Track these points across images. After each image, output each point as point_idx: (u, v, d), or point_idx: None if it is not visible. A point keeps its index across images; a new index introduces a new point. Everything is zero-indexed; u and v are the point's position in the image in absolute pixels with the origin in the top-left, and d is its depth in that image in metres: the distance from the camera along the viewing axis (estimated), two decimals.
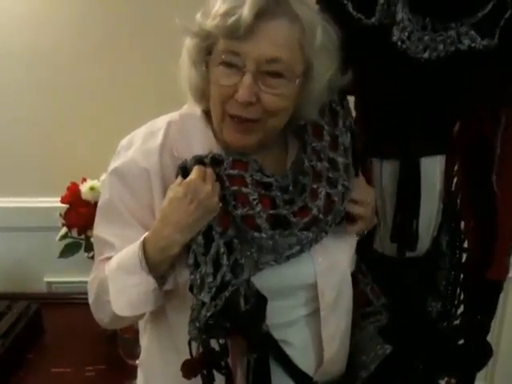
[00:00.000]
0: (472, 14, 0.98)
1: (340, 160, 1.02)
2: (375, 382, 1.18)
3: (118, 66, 1.77)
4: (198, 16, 0.95)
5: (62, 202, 1.63)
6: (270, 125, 0.97)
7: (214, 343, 0.96)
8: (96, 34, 1.75)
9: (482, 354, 1.31)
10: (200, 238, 0.93)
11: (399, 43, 0.98)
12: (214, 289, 0.92)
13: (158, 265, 0.96)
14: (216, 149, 1.01)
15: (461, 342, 1.30)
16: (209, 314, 0.92)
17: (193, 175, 0.92)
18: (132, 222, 1.01)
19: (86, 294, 1.06)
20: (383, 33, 0.99)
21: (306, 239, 0.98)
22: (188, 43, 0.98)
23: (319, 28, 0.94)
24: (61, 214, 1.63)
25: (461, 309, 1.30)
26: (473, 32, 0.99)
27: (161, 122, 1.06)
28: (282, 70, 0.92)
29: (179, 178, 0.95)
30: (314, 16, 0.94)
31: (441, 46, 1.00)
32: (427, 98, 1.06)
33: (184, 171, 0.95)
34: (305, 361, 1.07)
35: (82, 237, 1.63)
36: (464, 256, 1.28)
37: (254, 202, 0.94)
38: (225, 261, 0.93)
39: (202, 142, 1.01)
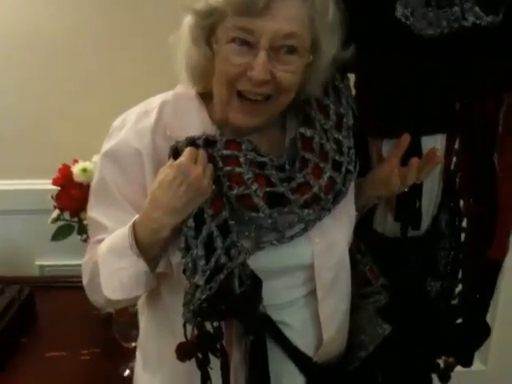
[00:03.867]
0: None
1: (345, 142, 1.01)
2: (374, 361, 1.18)
3: (111, 53, 1.75)
4: None
5: (54, 183, 1.60)
6: (280, 102, 0.96)
7: (209, 326, 0.95)
8: (91, 25, 1.72)
9: (480, 333, 1.31)
10: (191, 221, 0.92)
11: (403, 19, 0.96)
12: (207, 272, 0.91)
13: (148, 247, 0.94)
14: (210, 128, 0.99)
15: (459, 321, 1.30)
16: (203, 297, 0.91)
17: (183, 157, 0.90)
18: (124, 204, 0.99)
19: (79, 277, 1.04)
20: (386, 8, 0.97)
21: (308, 217, 0.97)
22: (189, 21, 0.95)
23: (331, 4, 0.92)
24: (52, 197, 1.60)
25: (459, 288, 1.29)
26: (477, 8, 0.96)
27: (154, 101, 1.03)
28: (296, 44, 0.91)
29: (170, 160, 0.93)
30: None
31: (444, 23, 0.97)
32: (430, 77, 1.03)
33: (175, 153, 0.93)
34: (304, 341, 1.06)
35: (75, 219, 1.60)
36: (463, 236, 1.28)
37: (249, 181, 0.92)
38: (219, 243, 0.91)
39: (196, 122, 1.00)
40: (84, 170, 1.56)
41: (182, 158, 0.90)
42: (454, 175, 1.22)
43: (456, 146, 1.18)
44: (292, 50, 0.91)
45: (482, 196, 1.18)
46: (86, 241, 1.54)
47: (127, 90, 1.56)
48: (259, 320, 0.97)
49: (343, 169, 0.99)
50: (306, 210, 0.96)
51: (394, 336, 1.16)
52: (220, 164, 0.93)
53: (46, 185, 1.64)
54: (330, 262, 1.04)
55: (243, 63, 0.90)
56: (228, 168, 0.93)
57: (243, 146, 0.95)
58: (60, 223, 1.63)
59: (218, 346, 0.94)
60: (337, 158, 0.99)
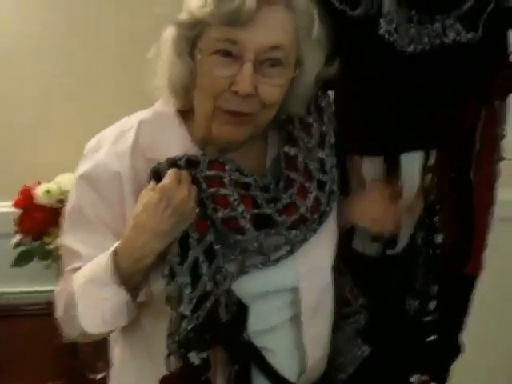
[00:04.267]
0: (457, 7, 0.97)
1: (328, 161, 0.99)
2: (353, 383, 1.16)
3: (76, 76, 1.69)
4: (187, 3, 0.90)
5: (15, 206, 1.52)
6: (262, 118, 0.93)
7: (193, 356, 0.90)
8: (59, 32, 1.67)
9: (454, 350, 1.30)
10: (175, 246, 0.88)
11: (387, 35, 0.96)
12: (194, 300, 0.87)
13: (131, 276, 0.89)
14: (192, 149, 0.95)
15: (433, 338, 1.30)
16: (190, 327, 0.87)
17: (167, 179, 0.86)
18: (102, 230, 0.94)
19: (40, 304, 0.99)
20: (368, 25, 0.96)
21: (295, 238, 0.94)
22: (172, 33, 0.92)
23: (317, 19, 0.91)
24: (14, 220, 1.52)
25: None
26: (458, 25, 0.97)
27: (131, 121, 0.99)
28: (281, 57, 0.89)
29: (152, 183, 0.88)
30: (311, 7, 0.91)
31: (426, 39, 0.98)
32: (410, 94, 1.03)
33: (157, 175, 0.89)
34: (287, 367, 1.02)
35: (38, 243, 1.53)
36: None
37: (235, 203, 0.89)
38: (204, 270, 0.88)
39: (176, 142, 0.96)
40: (48, 192, 1.49)
41: (165, 180, 0.86)
42: (430, 192, 1.22)
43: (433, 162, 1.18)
44: (277, 63, 0.89)
45: (459, 212, 1.18)
46: (48, 267, 1.47)
47: (92, 112, 1.51)
48: (244, 347, 0.94)
49: (327, 188, 0.98)
50: (294, 232, 0.93)
51: (372, 355, 1.15)
52: (204, 185, 0.89)
53: (7, 207, 1.56)
54: (314, 284, 1.01)
55: (228, 76, 0.88)
56: (212, 189, 0.89)
57: (227, 167, 0.92)
58: (21, 248, 1.55)
59: (204, 377, 0.90)
60: (321, 177, 0.97)
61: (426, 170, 1.16)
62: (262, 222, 0.91)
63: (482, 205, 1.17)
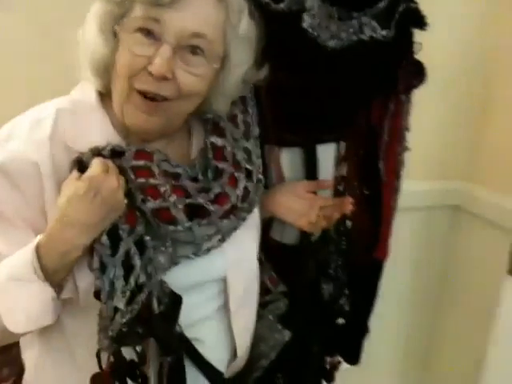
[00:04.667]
0: (373, 5, 1.02)
1: (254, 151, 1.00)
2: (275, 368, 1.19)
3: None
4: None
5: None
6: (178, 108, 0.91)
7: (126, 351, 0.87)
8: None
9: (364, 331, 1.38)
10: (105, 239, 0.84)
11: (310, 30, 0.98)
12: (128, 293, 0.84)
13: (54, 272, 0.84)
14: (114, 138, 0.91)
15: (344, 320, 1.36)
16: (124, 321, 0.84)
17: (94, 169, 0.82)
18: (21, 225, 0.88)
19: None
20: (292, 19, 0.99)
21: (226, 228, 0.95)
22: (97, 10, 0.88)
23: (245, 16, 0.91)
24: None
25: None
26: (374, 22, 1.03)
27: (47, 109, 0.92)
28: (204, 46, 0.87)
29: (75, 173, 0.84)
30: (241, 2, 0.91)
31: (344, 35, 1.02)
32: (328, 87, 1.08)
33: (80, 165, 0.85)
34: (217, 357, 1.03)
35: None
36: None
37: (167, 194, 0.87)
38: (137, 261, 0.85)
39: (98, 132, 0.91)
40: None
41: (92, 170, 0.82)
42: (341, 181, 1.28)
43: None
44: (198, 53, 0.87)
45: (368, 200, 1.25)
46: None
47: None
48: (177, 339, 0.93)
49: (254, 177, 0.99)
50: (225, 221, 0.94)
51: (293, 340, 1.19)
52: (131, 176, 0.87)
53: None
54: (241, 273, 1.02)
55: (146, 56, 0.85)
56: (141, 180, 0.87)
57: (155, 157, 0.89)
58: None
59: (138, 371, 0.88)
60: (248, 167, 0.98)
61: (338, 160, 1.22)
62: (194, 212, 0.90)
63: (388, 193, 1.25)
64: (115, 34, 0.88)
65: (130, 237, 0.86)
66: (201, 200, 0.90)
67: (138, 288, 0.85)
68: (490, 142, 2.05)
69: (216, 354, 1.03)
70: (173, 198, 0.87)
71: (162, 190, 0.87)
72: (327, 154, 1.18)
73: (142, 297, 0.85)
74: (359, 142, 1.20)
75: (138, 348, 0.87)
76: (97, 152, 0.86)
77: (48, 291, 0.84)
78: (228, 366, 1.06)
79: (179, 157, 0.98)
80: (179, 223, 0.88)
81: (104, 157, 0.85)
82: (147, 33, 0.85)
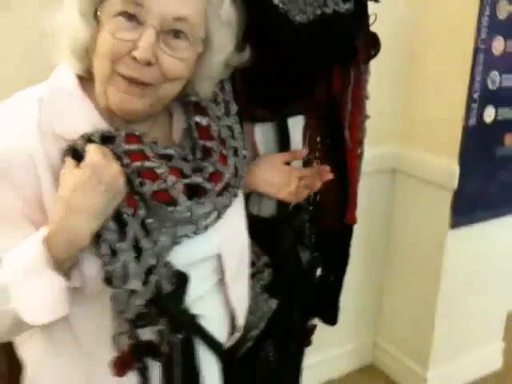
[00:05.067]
0: None
1: (235, 128, 1.02)
2: (265, 336, 1.24)
3: None
4: None
5: None
6: (163, 92, 0.91)
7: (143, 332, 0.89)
8: None
9: (339, 293, 1.46)
10: (112, 224, 0.85)
11: (281, 5, 1.02)
12: (142, 275, 0.86)
13: (63, 262, 0.84)
14: (99, 122, 0.91)
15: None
16: (142, 302, 0.86)
17: (93, 155, 0.83)
18: (18, 219, 0.87)
19: None
20: None
21: (222, 205, 0.97)
22: None
23: (227, 0, 0.92)
24: None
25: None
26: None
27: (27, 99, 0.91)
28: (187, 30, 0.87)
29: (71, 161, 0.84)
30: None
31: (309, 10, 1.07)
32: (296, 60, 1.12)
33: (75, 152, 0.85)
34: (218, 331, 1.06)
35: None
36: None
37: (164, 175, 0.89)
38: (145, 244, 0.87)
39: (84, 118, 0.90)
40: None
41: (92, 157, 0.83)
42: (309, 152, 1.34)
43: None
44: (182, 36, 0.88)
45: (336, 167, 1.31)
46: None
47: None
48: (185, 316, 0.95)
49: (240, 154, 1.02)
50: (220, 198, 0.96)
51: (279, 308, 1.24)
52: (125, 160, 0.87)
53: None
54: (234, 248, 1.06)
55: (129, 40, 0.84)
56: (137, 163, 0.88)
57: (144, 139, 0.90)
58: None
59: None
60: (233, 144, 1.01)
61: (305, 131, 1.27)
62: (193, 192, 0.92)
63: (354, 160, 1.31)
64: (95, 17, 0.87)
65: (134, 220, 0.87)
66: (198, 179, 0.93)
67: (150, 269, 0.87)
68: (419, 106, 2.18)
69: (215, 328, 1.05)
70: (171, 179, 0.89)
71: (159, 171, 0.89)
72: (296, 127, 1.22)
73: (153, 278, 0.87)
74: (321, 112, 1.26)
75: (156, 328, 0.89)
76: (87, 138, 0.86)
77: (61, 281, 0.84)
78: (227, 340, 1.09)
79: (162, 138, 0.99)
80: (179, 203, 0.90)
81: (94, 143, 0.86)
82: (129, 16, 0.85)
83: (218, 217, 0.98)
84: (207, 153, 0.97)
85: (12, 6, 1.36)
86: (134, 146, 0.89)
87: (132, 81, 0.87)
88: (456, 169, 2.05)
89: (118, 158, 0.87)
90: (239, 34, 0.97)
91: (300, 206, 1.32)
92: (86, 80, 0.93)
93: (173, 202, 0.90)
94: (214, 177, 0.95)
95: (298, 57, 1.10)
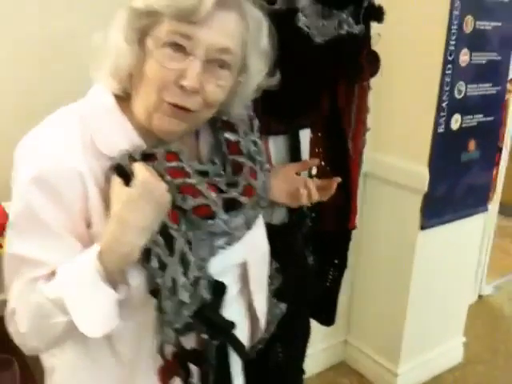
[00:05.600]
0: (350, 4, 1.14)
1: (259, 142, 1.08)
2: (275, 338, 1.29)
3: None
4: None
5: None
6: (202, 115, 0.96)
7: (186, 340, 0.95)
8: None
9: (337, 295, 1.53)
10: (160, 239, 0.89)
11: (305, 28, 1.07)
12: (189, 287, 0.90)
13: (114, 275, 0.87)
14: (135, 139, 0.95)
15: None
16: (191, 314, 0.90)
17: (143, 174, 0.87)
18: (62, 233, 0.89)
19: None
20: (288, 19, 1.07)
21: (252, 217, 1.03)
22: (123, 19, 0.90)
23: (265, 32, 0.97)
24: None
25: None
26: (350, 19, 1.14)
27: (69, 117, 0.94)
28: (230, 60, 0.92)
29: (117, 179, 0.88)
30: (262, 18, 0.97)
31: (327, 31, 1.13)
32: (310, 78, 1.18)
33: (120, 170, 0.89)
34: (240, 334, 1.10)
35: None
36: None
37: (206, 191, 0.93)
38: (191, 257, 0.91)
39: (122, 136, 0.94)
40: None
41: (142, 175, 0.86)
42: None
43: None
44: (225, 66, 0.92)
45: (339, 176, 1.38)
46: None
47: None
48: (221, 324, 1.00)
49: (265, 168, 1.07)
50: (251, 211, 1.01)
51: (287, 311, 1.30)
52: (167, 177, 0.91)
53: None
54: (257, 256, 1.11)
55: (177, 69, 0.89)
56: (179, 180, 0.92)
57: (182, 157, 0.94)
58: None
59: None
60: (259, 158, 1.06)
61: (312, 143, 1.34)
62: (229, 206, 0.97)
63: (355, 170, 1.39)
64: (140, 44, 0.91)
65: (179, 235, 0.91)
66: (234, 193, 0.97)
67: (196, 282, 0.91)
68: (391, 114, 2.27)
69: (239, 334, 1.10)
70: (212, 194, 0.94)
71: (200, 188, 0.93)
72: (305, 139, 1.29)
73: (200, 289, 0.91)
74: (325, 124, 1.33)
75: (202, 335, 0.93)
76: (131, 157, 0.90)
77: (114, 295, 0.87)
78: (248, 344, 1.14)
79: (189, 153, 1.03)
80: (217, 217, 0.95)
81: (136, 161, 0.89)
82: (177, 48, 0.89)
83: (248, 228, 1.03)
84: (238, 167, 1.02)
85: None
86: (174, 163, 0.92)
87: (177, 107, 0.91)
88: (426, 173, 2.15)
89: (161, 175, 0.90)
90: (272, 59, 1.02)
91: (304, 213, 1.38)
92: (120, 98, 0.96)
93: (212, 216, 0.94)
94: (247, 191, 1.00)
95: (316, 74, 1.16)
